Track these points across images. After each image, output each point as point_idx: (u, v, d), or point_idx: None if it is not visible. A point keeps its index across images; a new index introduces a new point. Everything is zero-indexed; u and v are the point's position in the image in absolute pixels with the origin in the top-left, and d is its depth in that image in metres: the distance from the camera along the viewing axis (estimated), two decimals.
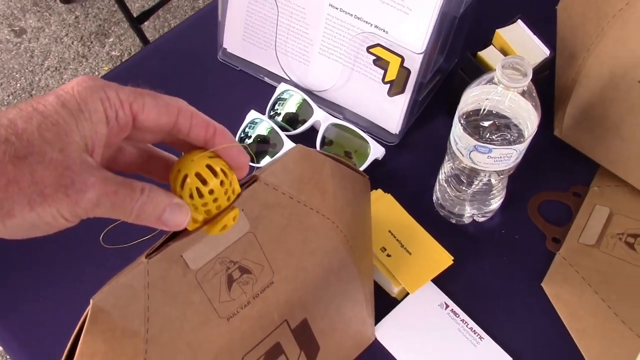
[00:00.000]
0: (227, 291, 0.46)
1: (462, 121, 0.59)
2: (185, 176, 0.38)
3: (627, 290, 0.64)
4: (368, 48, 0.69)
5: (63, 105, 0.34)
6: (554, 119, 0.74)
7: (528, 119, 0.57)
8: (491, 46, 0.70)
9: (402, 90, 0.70)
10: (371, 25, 0.69)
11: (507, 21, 0.72)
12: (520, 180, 0.68)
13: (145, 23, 1.77)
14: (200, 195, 0.38)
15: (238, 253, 0.45)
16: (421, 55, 0.66)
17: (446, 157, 0.66)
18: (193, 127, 0.39)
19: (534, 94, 0.56)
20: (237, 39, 0.79)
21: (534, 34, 0.70)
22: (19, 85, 1.79)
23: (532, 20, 0.73)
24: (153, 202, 0.36)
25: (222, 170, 0.39)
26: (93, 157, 0.35)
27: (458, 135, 0.59)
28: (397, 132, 0.74)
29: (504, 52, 0.69)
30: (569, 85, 0.71)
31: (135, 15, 1.73)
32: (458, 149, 0.60)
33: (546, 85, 0.73)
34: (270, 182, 0.45)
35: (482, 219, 0.69)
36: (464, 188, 0.65)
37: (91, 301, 0.41)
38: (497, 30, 0.70)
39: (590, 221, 0.68)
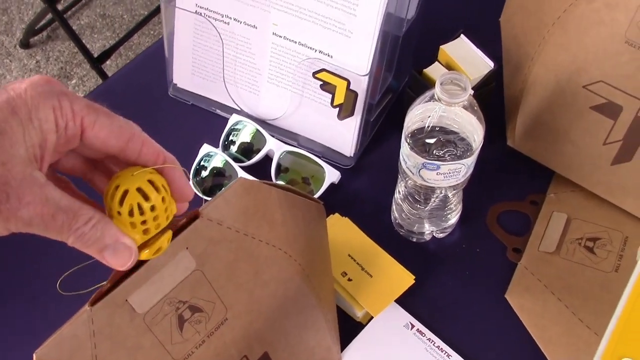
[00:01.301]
0: (179, 332, 0.45)
1: (408, 140, 0.59)
2: (126, 191, 0.36)
3: (590, 294, 0.64)
4: (314, 73, 0.69)
5: (13, 112, 0.33)
6: (506, 129, 0.75)
7: (474, 132, 0.58)
8: (436, 62, 0.70)
9: (352, 113, 0.70)
10: (315, 50, 0.69)
11: (452, 37, 0.73)
12: (477, 192, 0.68)
13: (107, 62, 1.77)
14: (142, 211, 0.36)
15: (187, 292, 0.44)
16: (366, 77, 0.66)
17: (399, 177, 0.66)
18: (142, 154, 0.38)
19: (476, 108, 0.57)
20: (186, 74, 0.79)
21: (478, 47, 0.71)
22: None
23: (476, 34, 0.73)
24: (96, 235, 0.35)
25: (163, 186, 0.37)
26: (42, 164, 0.34)
27: (406, 154, 0.59)
28: (352, 155, 0.74)
29: (449, 68, 0.69)
30: (517, 95, 0.72)
31: (96, 55, 1.72)
32: (408, 168, 0.60)
33: (495, 97, 0.73)
34: (214, 217, 0.44)
35: (441, 235, 0.69)
36: (419, 206, 0.65)
37: (34, 356, 0.40)
38: (441, 47, 0.71)
39: (549, 228, 0.68)
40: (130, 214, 0.36)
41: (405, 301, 0.64)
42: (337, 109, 0.70)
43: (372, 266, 0.64)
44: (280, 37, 0.70)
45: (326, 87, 0.69)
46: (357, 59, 0.67)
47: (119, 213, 0.36)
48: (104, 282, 0.43)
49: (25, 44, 1.93)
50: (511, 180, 0.73)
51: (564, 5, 0.65)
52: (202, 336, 0.47)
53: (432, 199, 0.65)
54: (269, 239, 0.48)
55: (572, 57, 0.65)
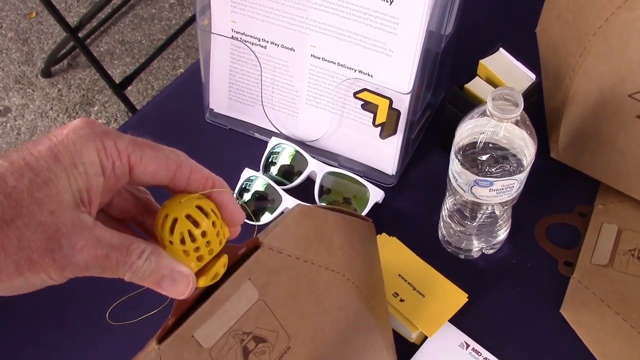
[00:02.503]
0: None
1: (459, 157, 0.58)
2: (175, 219, 0.36)
3: None
4: (355, 94, 0.69)
5: (56, 159, 0.33)
6: (548, 141, 0.74)
7: (525, 147, 0.57)
8: (477, 77, 0.70)
9: (394, 132, 0.69)
10: (355, 70, 0.69)
11: (489, 51, 0.72)
12: (523, 207, 0.67)
13: (129, 88, 1.78)
14: (193, 238, 0.36)
15: (250, 323, 0.44)
16: (409, 95, 0.66)
17: (447, 193, 0.65)
18: (191, 181, 0.37)
19: (527, 123, 0.56)
20: (223, 99, 0.79)
21: (517, 60, 0.70)
22: None
23: (514, 47, 0.73)
24: (151, 267, 0.35)
25: (212, 211, 0.37)
26: (90, 209, 0.34)
27: (457, 171, 0.59)
28: (394, 173, 0.73)
29: (490, 82, 0.69)
30: (559, 106, 0.71)
31: (117, 81, 1.73)
32: (459, 185, 0.60)
33: (536, 108, 0.73)
34: (275, 246, 0.44)
35: (491, 251, 0.68)
36: (468, 222, 0.65)
37: None
38: (481, 61, 0.70)
39: (600, 240, 0.67)
40: (182, 242, 0.36)
41: (459, 320, 0.63)
42: (379, 127, 0.70)
43: (423, 286, 0.64)
44: (319, 58, 0.70)
45: (368, 106, 0.69)
46: (399, 77, 0.66)
47: (170, 242, 0.36)
48: (153, 312, 0.43)
49: (46, 73, 1.95)
50: (557, 192, 0.72)
51: (605, 15, 0.65)
52: None
53: (480, 215, 0.64)
54: (328, 263, 0.48)
55: (616, 66, 0.65)
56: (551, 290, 0.65)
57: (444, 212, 0.67)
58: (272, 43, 0.72)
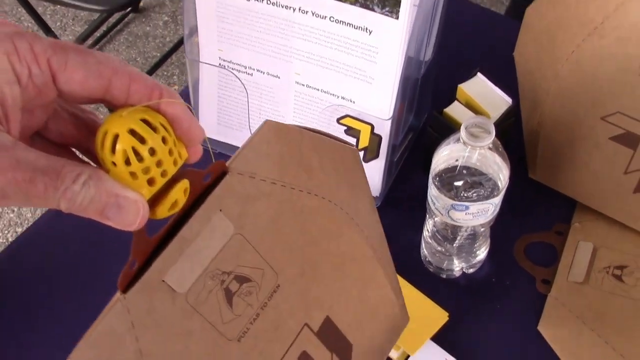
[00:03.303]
0: (229, 308, 0.39)
1: (436, 182, 0.60)
2: (116, 136, 0.30)
3: (622, 323, 0.65)
4: (338, 119, 0.71)
5: None
6: (527, 161, 0.76)
7: (499, 171, 0.59)
8: (456, 101, 0.72)
9: (377, 155, 0.72)
10: (338, 97, 0.71)
11: (468, 74, 0.75)
12: (502, 226, 0.69)
13: None
14: (139, 157, 0.30)
15: (229, 261, 0.38)
16: (390, 121, 0.68)
17: (427, 215, 0.68)
18: (132, 92, 0.31)
19: (500, 149, 0.58)
20: (212, 123, 0.81)
21: (495, 84, 0.73)
22: None
23: (493, 70, 0.75)
24: (91, 193, 0.29)
25: (162, 125, 0.31)
26: (8, 126, 0.29)
27: (434, 195, 0.61)
28: (378, 195, 0.76)
29: (469, 106, 0.71)
30: (535, 128, 0.73)
31: None
32: (436, 209, 0.62)
33: (515, 129, 0.75)
34: (245, 170, 0.38)
35: (471, 270, 0.70)
36: (447, 243, 0.67)
37: None
38: (460, 86, 0.73)
39: (576, 258, 0.69)
40: (127, 162, 0.30)
41: (440, 338, 0.65)
42: (362, 152, 0.72)
43: (405, 304, 0.66)
44: (303, 85, 0.73)
45: (350, 131, 0.71)
46: (380, 103, 0.69)
47: (113, 164, 0.30)
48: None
49: None
50: (535, 211, 0.75)
51: (577, 41, 0.67)
52: (255, 309, 0.40)
53: (460, 236, 0.66)
54: (309, 187, 0.41)
55: (588, 90, 0.67)
56: (529, 307, 0.68)
57: (425, 233, 0.70)
58: (258, 71, 0.74)
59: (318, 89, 0.72)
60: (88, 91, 0.30)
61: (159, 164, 0.31)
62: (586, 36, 0.66)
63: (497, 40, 0.85)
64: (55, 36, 1.68)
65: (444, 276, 0.70)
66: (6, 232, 1.70)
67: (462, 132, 0.56)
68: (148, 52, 2.06)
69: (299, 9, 0.68)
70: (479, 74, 0.74)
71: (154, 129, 0.31)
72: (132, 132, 0.30)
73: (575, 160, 0.71)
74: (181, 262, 0.35)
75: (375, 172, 0.74)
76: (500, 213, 0.64)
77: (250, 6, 0.70)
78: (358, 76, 0.69)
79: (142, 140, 0.30)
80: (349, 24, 0.66)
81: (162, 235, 0.35)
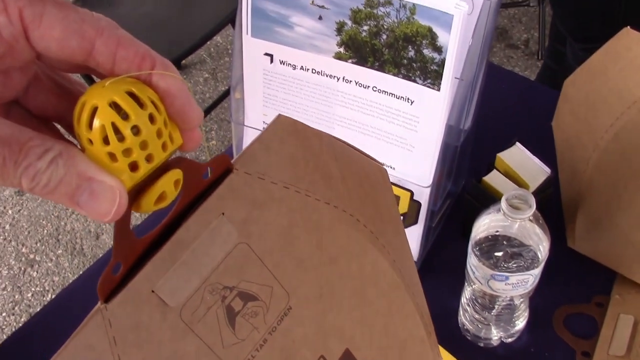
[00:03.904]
0: (231, 330, 0.33)
1: (475, 251, 0.61)
2: (95, 109, 0.25)
3: None
4: None
5: None
6: (565, 230, 0.76)
7: (540, 243, 0.60)
8: (494, 170, 0.73)
9: (415, 221, 0.73)
10: None
11: (507, 142, 0.76)
12: (542, 296, 0.69)
13: None
14: (120, 136, 0.25)
15: (232, 274, 0.32)
16: (429, 188, 0.70)
17: (466, 283, 0.68)
18: (119, 59, 0.26)
19: (541, 221, 0.59)
20: None
21: (533, 154, 0.74)
22: (45, 231, 1.86)
23: (530, 138, 0.76)
24: (59, 173, 0.24)
25: (151, 101, 0.26)
26: None
27: (474, 264, 0.62)
28: (415, 260, 0.76)
29: (507, 175, 0.72)
30: (575, 197, 0.74)
31: None
32: (476, 277, 0.62)
33: (553, 199, 0.75)
34: (253, 169, 0.32)
35: (509, 340, 0.70)
36: (486, 312, 0.67)
37: None
38: (498, 155, 0.74)
39: (617, 331, 0.69)
40: (105, 141, 0.25)
41: None
42: (401, 217, 0.73)
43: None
44: None
45: None
46: (420, 170, 0.70)
47: (90, 141, 0.25)
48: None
49: None
50: (574, 281, 0.74)
51: (616, 113, 0.68)
52: (262, 333, 0.34)
53: (498, 305, 0.66)
54: (328, 197, 0.35)
55: (628, 162, 0.68)
56: None
57: (464, 300, 0.70)
58: None
59: None
60: (67, 53, 0.25)
61: (143, 145, 0.26)
62: (626, 109, 0.67)
63: (534, 109, 0.87)
64: None
65: (482, 345, 0.70)
66: (43, 280, 1.73)
67: (503, 204, 0.57)
68: None
69: (343, 79, 0.70)
70: (517, 143, 0.75)
71: (141, 105, 0.25)
72: (115, 106, 0.25)
73: (616, 231, 0.71)
74: (175, 270, 0.30)
75: (413, 238, 0.74)
76: (539, 283, 0.64)
77: (296, 74, 0.73)
78: (399, 144, 0.71)
79: (125, 117, 0.25)
80: (391, 94, 0.68)
81: (154, 237, 0.29)
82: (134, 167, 0.26)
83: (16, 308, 1.68)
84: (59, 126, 0.31)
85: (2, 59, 0.25)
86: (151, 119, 0.26)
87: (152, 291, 0.29)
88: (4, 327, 1.64)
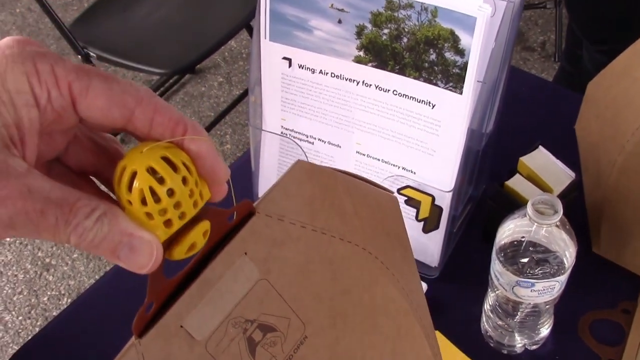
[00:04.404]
0: (252, 359, 0.36)
1: (500, 257, 0.60)
2: (134, 173, 0.28)
3: None
4: (399, 190, 0.72)
5: None
6: (590, 235, 0.75)
7: (566, 249, 0.59)
8: (517, 174, 0.72)
9: (437, 227, 0.72)
10: (399, 167, 0.72)
11: (529, 146, 0.75)
12: (566, 302, 0.68)
13: None
14: (156, 198, 0.28)
15: (253, 309, 0.36)
16: (451, 193, 0.69)
17: (489, 289, 0.67)
18: (156, 125, 0.29)
19: (567, 226, 0.58)
20: None
21: (557, 157, 0.73)
22: None
23: (553, 142, 0.75)
24: (103, 230, 0.27)
25: (184, 164, 0.29)
26: (24, 151, 0.28)
27: (498, 270, 0.60)
28: (437, 265, 0.75)
29: (531, 180, 0.71)
30: (600, 202, 0.72)
31: None
32: (500, 284, 0.61)
33: (577, 203, 0.74)
34: (273, 212, 0.36)
35: (534, 347, 0.68)
36: (510, 319, 0.66)
37: None
38: (521, 159, 0.73)
39: None
40: (143, 202, 0.28)
41: None
42: (422, 222, 0.72)
43: None
44: (364, 155, 0.74)
45: (411, 202, 0.72)
46: (441, 175, 0.69)
47: (129, 202, 0.28)
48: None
49: None
50: (600, 287, 0.73)
51: None
52: None
53: (521, 311, 0.65)
54: (342, 233, 0.39)
55: None
56: None
57: (486, 307, 0.68)
58: (319, 140, 0.76)
59: (379, 159, 0.73)
60: (110, 119, 0.29)
61: (177, 205, 0.29)
62: None
63: (556, 112, 0.85)
64: None
65: (505, 352, 0.69)
66: (59, 284, 1.74)
67: (529, 209, 0.56)
68: (203, 112, 2.12)
69: (363, 82, 0.70)
70: (540, 147, 0.74)
71: (175, 168, 0.29)
72: (151, 171, 0.28)
73: None
74: (202, 307, 0.33)
75: (434, 243, 0.73)
76: (564, 289, 0.63)
77: (315, 78, 0.72)
78: (420, 148, 0.70)
79: (160, 180, 0.28)
80: (412, 98, 0.68)
81: (182, 277, 0.33)
82: (168, 223, 0.29)
83: (32, 312, 1.69)
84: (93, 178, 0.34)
85: (50, 126, 0.28)
86: (184, 181, 0.29)
87: (181, 326, 0.32)
88: (20, 330, 1.65)
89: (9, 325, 1.66)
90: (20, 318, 1.68)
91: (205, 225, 0.31)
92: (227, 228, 0.34)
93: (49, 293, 1.72)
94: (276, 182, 0.36)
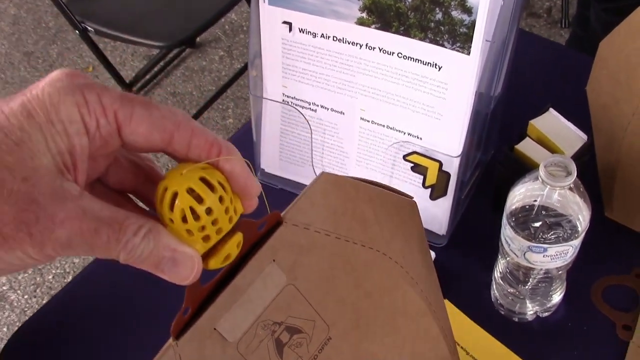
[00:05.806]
0: (279, 359, 0.40)
1: (511, 222, 0.58)
2: (175, 194, 0.31)
3: None
4: (404, 156, 0.70)
5: (29, 117, 0.28)
6: (602, 199, 0.73)
7: (580, 213, 0.57)
8: (527, 138, 0.70)
9: (444, 193, 0.70)
10: (404, 133, 0.69)
11: (538, 109, 0.72)
12: (578, 267, 0.66)
13: None
14: (196, 217, 0.31)
15: (281, 312, 0.39)
16: (459, 158, 0.66)
17: (499, 255, 0.65)
18: (193, 147, 0.32)
19: (581, 189, 0.56)
20: (274, 160, 0.81)
21: (568, 120, 0.70)
22: None
23: (563, 104, 0.73)
24: (149, 246, 0.30)
25: (220, 183, 0.32)
26: (76, 175, 0.30)
27: (510, 236, 0.59)
28: (444, 233, 0.73)
29: (541, 143, 0.69)
30: (612, 165, 0.70)
31: None
32: (511, 250, 0.59)
33: (589, 167, 0.72)
34: (300, 221, 0.39)
35: (545, 314, 0.67)
36: (521, 286, 0.64)
37: None
38: (531, 122, 0.70)
39: None
40: (184, 220, 0.31)
41: None
42: (429, 189, 0.70)
43: (476, 350, 0.63)
44: (368, 121, 0.71)
45: (417, 168, 0.70)
46: (449, 140, 0.67)
47: (171, 220, 0.31)
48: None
49: None
50: (613, 252, 0.71)
51: None
52: None
53: (533, 278, 0.63)
54: (364, 240, 0.42)
55: None
56: (609, 355, 0.64)
57: (496, 274, 0.67)
58: (322, 107, 0.73)
59: (384, 125, 0.71)
60: (151, 143, 0.31)
61: (214, 222, 0.32)
62: None
63: (566, 74, 0.83)
64: (115, 71, 1.72)
65: (516, 319, 0.67)
66: (63, 262, 1.73)
67: (541, 171, 0.54)
68: (204, 86, 2.09)
69: (366, 45, 0.67)
70: (551, 109, 0.71)
71: (212, 188, 0.31)
72: (191, 191, 0.31)
73: None
74: (233, 311, 0.36)
75: (442, 210, 0.71)
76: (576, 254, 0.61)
77: (316, 43, 0.70)
78: (426, 112, 0.67)
79: (199, 200, 0.31)
80: (418, 60, 0.65)
81: (215, 283, 0.36)
82: (206, 238, 0.32)
83: (37, 290, 1.68)
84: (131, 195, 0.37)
85: (97, 151, 0.31)
86: (220, 200, 0.32)
87: (214, 329, 0.35)
88: (26, 309, 1.65)
89: (15, 304, 1.66)
90: (25, 297, 1.67)
91: (238, 237, 0.34)
92: (257, 236, 0.37)
93: (54, 271, 1.72)
94: (302, 193, 0.39)
